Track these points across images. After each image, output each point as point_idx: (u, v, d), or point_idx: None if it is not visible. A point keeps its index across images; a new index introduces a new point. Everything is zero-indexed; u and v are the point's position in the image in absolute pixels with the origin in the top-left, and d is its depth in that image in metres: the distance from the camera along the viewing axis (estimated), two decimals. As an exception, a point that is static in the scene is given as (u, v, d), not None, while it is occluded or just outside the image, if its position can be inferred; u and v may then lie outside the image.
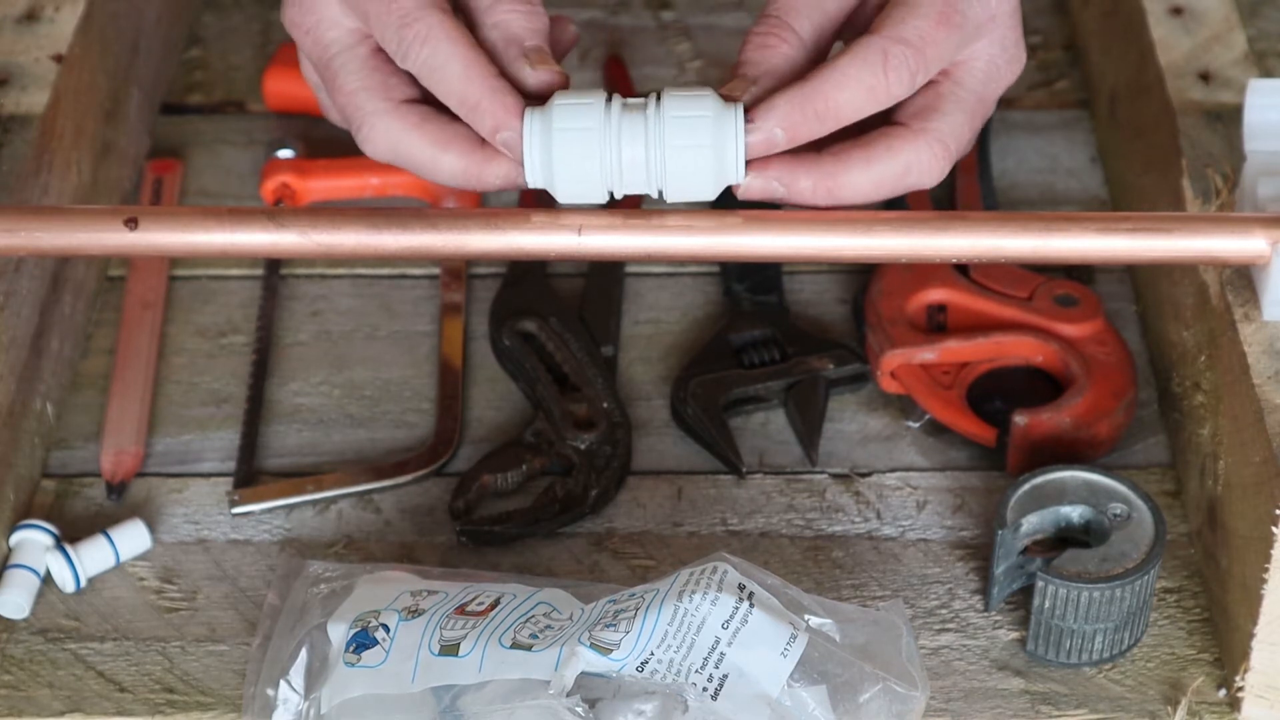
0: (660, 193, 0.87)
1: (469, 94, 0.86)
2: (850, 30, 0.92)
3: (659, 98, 0.86)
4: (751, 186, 0.87)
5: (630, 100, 0.86)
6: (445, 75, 0.86)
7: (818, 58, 0.90)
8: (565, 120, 0.85)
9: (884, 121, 0.89)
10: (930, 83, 0.89)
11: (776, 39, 0.89)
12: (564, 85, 0.88)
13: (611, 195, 0.87)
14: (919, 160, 0.88)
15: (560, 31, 0.92)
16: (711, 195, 0.87)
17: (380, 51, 0.90)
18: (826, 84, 0.86)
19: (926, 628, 0.95)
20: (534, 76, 0.88)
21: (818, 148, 0.87)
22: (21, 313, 1.00)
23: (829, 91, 0.86)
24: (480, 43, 0.89)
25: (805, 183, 0.87)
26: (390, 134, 0.88)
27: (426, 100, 0.89)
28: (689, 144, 0.85)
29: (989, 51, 0.90)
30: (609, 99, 0.86)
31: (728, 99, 0.87)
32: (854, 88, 0.86)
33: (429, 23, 0.87)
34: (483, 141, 0.88)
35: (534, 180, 0.86)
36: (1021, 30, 0.91)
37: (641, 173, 0.86)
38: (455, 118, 0.88)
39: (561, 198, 0.87)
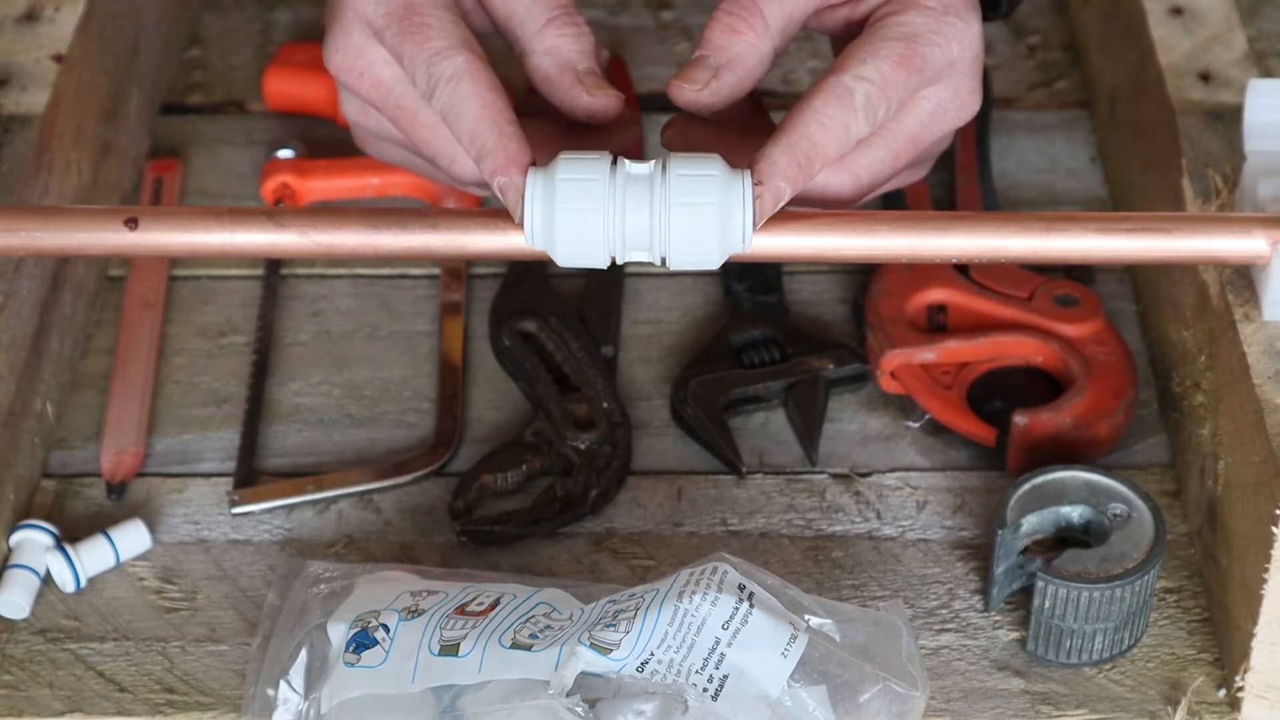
0: (664, 260, 0.86)
1: (479, 134, 0.86)
2: (817, 24, 0.92)
3: (664, 163, 0.85)
4: None
5: (635, 166, 0.86)
6: (461, 113, 0.86)
7: (781, 50, 0.90)
8: (569, 199, 0.85)
9: None
10: None
11: (745, 25, 0.88)
12: (619, 108, 0.89)
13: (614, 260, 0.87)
14: (828, 181, 0.88)
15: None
16: (715, 262, 0.86)
17: None
18: (810, 127, 0.85)
19: (926, 628, 0.95)
20: (591, 102, 0.89)
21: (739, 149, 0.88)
22: (21, 313, 1.00)
23: (814, 135, 0.85)
24: (532, 70, 0.90)
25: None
26: None
27: None
28: (694, 201, 0.84)
29: (940, 96, 0.90)
30: (613, 163, 0.85)
31: (688, 85, 0.87)
32: (834, 128, 0.86)
33: (457, 62, 0.87)
34: None
35: (533, 243, 0.86)
36: (980, 78, 0.91)
37: (645, 238, 0.85)
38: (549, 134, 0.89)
39: (562, 263, 0.87)
